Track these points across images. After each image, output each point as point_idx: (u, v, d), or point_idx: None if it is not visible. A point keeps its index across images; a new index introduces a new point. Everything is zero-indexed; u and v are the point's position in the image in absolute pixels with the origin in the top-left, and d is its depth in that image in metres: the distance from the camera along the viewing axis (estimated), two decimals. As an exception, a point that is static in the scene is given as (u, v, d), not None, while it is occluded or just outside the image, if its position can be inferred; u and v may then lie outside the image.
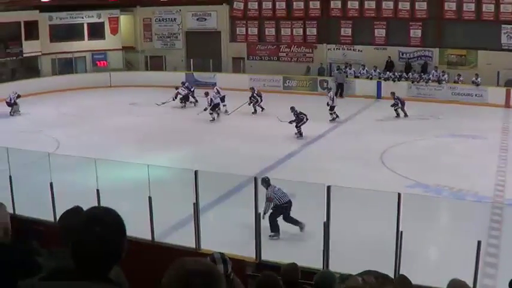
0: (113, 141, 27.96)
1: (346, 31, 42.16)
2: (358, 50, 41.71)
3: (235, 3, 45.09)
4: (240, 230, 15.02)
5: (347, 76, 40.40)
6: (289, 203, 16.45)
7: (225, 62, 45.81)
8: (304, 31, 43.45)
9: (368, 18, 41.16)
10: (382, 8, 40.59)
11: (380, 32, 41.08)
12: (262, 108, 34.58)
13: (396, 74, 39.20)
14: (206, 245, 13.38)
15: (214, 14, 46.28)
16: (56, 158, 18.80)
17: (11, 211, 15.01)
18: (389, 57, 40.09)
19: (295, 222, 16.40)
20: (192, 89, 37.96)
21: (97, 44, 47.62)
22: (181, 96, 37.13)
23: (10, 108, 35.91)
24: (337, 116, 32.44)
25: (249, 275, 11.17)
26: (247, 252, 12.61)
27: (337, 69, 40.54)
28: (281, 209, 16.41)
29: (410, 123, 31.06)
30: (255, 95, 34.65)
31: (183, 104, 36.90)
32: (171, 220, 16.58)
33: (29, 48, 44.89)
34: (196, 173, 13.34)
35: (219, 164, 19.54)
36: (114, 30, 48.16)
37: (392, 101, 33.21)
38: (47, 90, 41.88)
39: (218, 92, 35.00)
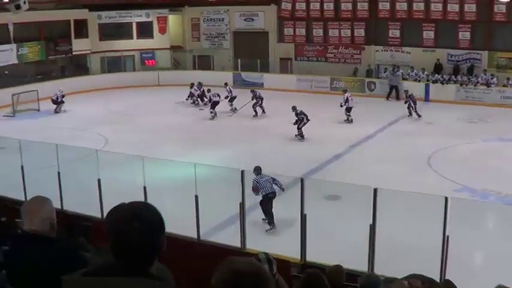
0: (160, 140, 28.15)
1: (394, 32, 41.82)
2: (407, 52, 41.30)
3: (283, 3, 45.00)
4: (285, 230, 15.03)
5: (401, 78, 39.79)
6: (275, 193, 17.52)
7: (272, 63, 45.73)
8: (352, 32, 43.17)
9: (416, 19, 40.74)
10: (431, 9, 40.15)
11: (429, 34, 40.67)
12: (263, 111, 34.62)
13: (445, 76, 38.76)
14: (251, 245, 13.43)
15: (262, 14, 46.27)
16: (104, 155, 18.98)
17: (59, 207, 15.27)
18: (438, 59, 39.64)
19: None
20: (201, 89, 38.27)
21: (145, 43, 48.00)
22: (195, 97, 37.36)
23: (55, 105, 36.41)
24: (351, 120, 32.36)
25: (294, 276, 11.17)
26: (292, 253, 12.62)
27: (391, 71, 40.06)
28: (269, 198, 17.37)
29: (459, 126, 30.72)
30: (256, 97, 34.68)
31: (197, 103, 37.61)
32: (217, 219, 16.64)
33: (79, 46, 45.44)
34: (242, 172, 13.39)
35: (265, 164, 19.50)
36: (163, 30, 48.46)
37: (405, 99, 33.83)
38: (95, 88, 42.32)
39: (230, 91, 35.69)
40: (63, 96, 36.67)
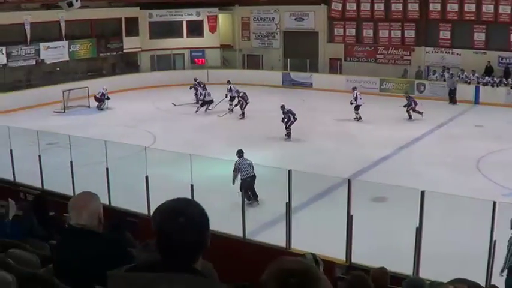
0: (208, 138, 28.30)
1: (445, 34, 41.37)
2: (457, 54, 40.81)
3: (333, 3, 44.87)
4: (331, 231, 15.00)
5: (458, 81, 39.12)
6: (253, 177, 18.81)
7: (321, 63, 45.63)
8: (403, 33, 42.82)
9: (467, 21, 40.22)
10: (482, 11, 39.62)
11: (479, 36, 40.15)
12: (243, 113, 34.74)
13: (495, 79, 38.27)
14: (296, 245, 13.44)
15: (312, 14, 46.17)
16: (152, 152, 19.14)
17: (107, 202, 15.44)
18: (489, 62, 39.08)
19: (255, 195, 18.33)
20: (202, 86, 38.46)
21: (195, 42, 48.29)
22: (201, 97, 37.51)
23: (98, 103, 36.85)
24: (360, 118, 32.47)
25: (339, 277, 11.16)
26: (337, 254, 12.60)
27: (449, 74, 39.17)
28: (247, 182, 18.64)
29: (509, 130, 30.28)
30: (239, 97, 34.83)
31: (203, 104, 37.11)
32: (263, 218, 16.68)
33: (129, 44, 45.98)
34: (289, 172, 13.40)
35: (312, 164, 19.52)
36: (213, 29, 48.67)
37: (406, 102, 33.30)
38: (145, 86, 42.73)
39: (230, 90, 36.11)
40: (106, 94, 37.09)
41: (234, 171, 18.89)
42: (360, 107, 32.49)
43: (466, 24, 40.27)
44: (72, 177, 17.28)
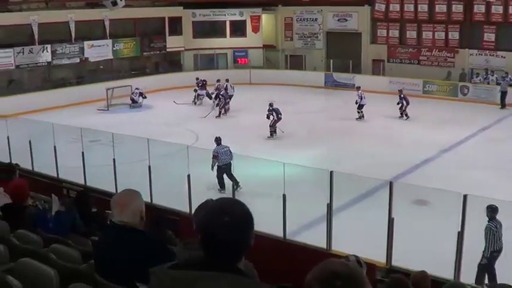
0: (249, 137, 28.32)
1: (489, 36, 40.90)
2: (501, 56, 40.35)
3: (376, 4, 44.67)
4: (372, 233, 14.93)
5: (510, 84, 38.39)
6: (228, 165, 19.74)
7: (364, 64, 45.42)
8: (446, 35, 42.41)
9: (513, 23, 39.87)
10: (528, 13, 39.24)
11: (525, 38, 39.72)
12: (221, 112, 34.97)
13: (540, 82, 37.74)
14: (337, 246, 13.40)
15: (356, 15, 45.95)
16: (194, 151, 19.22)
17: (148, 200, 15.55)
18: (534, 64, 38.65)
19: (235, 181, 18.69)
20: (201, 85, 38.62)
21: (238, 42, 48.42)
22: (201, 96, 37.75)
23: (132, 102, 37.24)
24: (363, 116, 32.85)
25: (378, 280, 11.11)
26: (377, 256, 12.54)
27: (502, 77, 38.59)
28: (222, 169, 19.83)
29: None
30: (220, 95, 35.35)
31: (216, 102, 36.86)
32: (303, 219, 16.65)
33: (172, 43, 46.31)
34: (331, 173, 13.37)
35: (354, 166, 19.43)
36: (256, 29, 48.73)
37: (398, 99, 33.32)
38: (188, 85, 42.85)
39: (225, 89, 36.32)
40: (141, 93, 37.39)
41: (213, 158, 19.91)
42: (364, 107, 32.96)
43: (511, 26, 39.78)
44: (115, 175, 17.42)
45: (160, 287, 2.88)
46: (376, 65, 45.00)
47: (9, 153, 20.01)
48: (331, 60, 45.54)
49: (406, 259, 12.96)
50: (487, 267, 13.22)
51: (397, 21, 44.27)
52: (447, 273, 11.60)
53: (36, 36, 38.18)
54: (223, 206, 3.04)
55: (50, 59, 38.81)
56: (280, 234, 14.16)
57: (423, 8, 42.88)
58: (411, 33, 43.89)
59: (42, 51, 38.41)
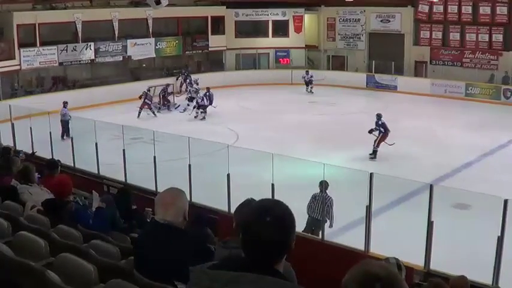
0: (290, 138, 28.31)
1: (533, 39, 40.47)
2: (546, 60, 39.91)
3: (420, 5, 44.32)
4: (410, 236, 14.85)
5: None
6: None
7: (407, 65, 45.11)
8: (490, 37, 41.92)
9: (559, 25, 39.32)
10: None
11: None
12: (200, 112, 34.86)
13: None
14: (375, 249, 13.35)
15: (399, 16, 45.67)
16: (235, 151, 19.26)
17: (188, 198, 15.59)
18: None
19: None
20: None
21: (280, 42, 48.45)
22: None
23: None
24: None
25: (416, 284, 11.06)
26: (415, 259, 12.46)
27: None
28: None
29: None
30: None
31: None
32: (342, 220, 16.61)
33: (215, 42, 46.46)
34: (371, 175, 13.32)
35: (394, 168, 19.33)
36: (298, 29, 48.69)
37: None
38: (230, 84, 43.02)
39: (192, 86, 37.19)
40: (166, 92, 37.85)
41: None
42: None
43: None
44: (155, 172, 17.52)
45: (199, 286, 2.90)
46: (419, 66, 44.64)
47: (51, 149, 20.25)
48: (373, 61, 45.27)
49: (444, 263, 12.87)
50: None
51: (440, 23, 43.89)
52: (486, 278, 11.49)
53: (79, 34, 38.61)
54: (266, 206, 3.04)
55: (93, 57, 39.21)
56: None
57: (467, 9, 42.42)
58: (454, 35, 43.47)
59: (86, 49, 38.80)
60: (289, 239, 3.01)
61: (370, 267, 2.69)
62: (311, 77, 42.84)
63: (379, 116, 26.36)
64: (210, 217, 12.06)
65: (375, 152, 25.81)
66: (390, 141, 25.42)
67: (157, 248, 5.07)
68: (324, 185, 15.29)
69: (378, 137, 25.87)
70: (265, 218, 2.95)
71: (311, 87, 42.41)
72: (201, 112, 34.49)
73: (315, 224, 15.60)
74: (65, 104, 29.98)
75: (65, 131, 28.47)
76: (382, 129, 26.01)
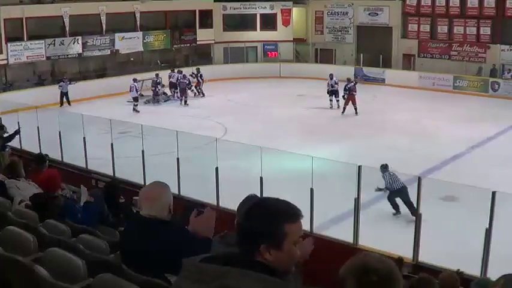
0: (278, 131, 28.30)
1: (521, 32, 40.54)
2: (534, 52, 40.00)
3: (408, -1, 44.45)
4: (399, 229, 14.92)
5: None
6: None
7: (395, 59, 45.17)
8: (478, 30, 41.99)
9: (546, 18, 39.40)
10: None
11: (558, 34, 39.25)
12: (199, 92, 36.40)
13: None
14: (363, 241, 13.39)
15: (387, 9, 45.66)
16: (223, 144, 19.27)
17: (176, 192, 15.61)
18: None
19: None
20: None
21: (268, 35, 48.38)
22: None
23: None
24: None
25: (404, 276, 11.09)
26: (404, 251, 12.50)
27: None
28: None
29: None
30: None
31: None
32: (330, 213, 16.65)
33: (203, 36, 46.44)
34: (359, 168, 13.36)
35: (382, 161, 19.32)
36: (286, 22, 48.67)
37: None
38: (218, 78, 42.93)
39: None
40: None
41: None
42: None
43: (544, 22, 39.36)
44: (143, 166, 17.51)
45: (188, 279, 2.89)
46: (407, 59, 44.68)
47: (39, 144, 20.22)
48: (362, 55, 45.26)
49: (432, 255, 12.92)
50: None
51: (428, 16, 43.95)
52: (474, 270, 11.54)
53: (67, 28, 38.52)
54: (256, 197, 3.06)
55: (80, 51, 39.12)
56: (307, 227, 14.18)
57: (455, 2, 42.43)
58: (442, 28, 43.55)
59: (73, 43, 38.71)
60: (265, 229, 2.98)
61: (368, 259, 2.70)
62: (335, 83, 35.29)
63: (349, 80, 32.18)
64: (200, 211, 12.07)
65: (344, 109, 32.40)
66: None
67: (144, 241, 5.06)
68: None
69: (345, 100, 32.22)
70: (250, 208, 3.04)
71: (337, 100, 34.86)
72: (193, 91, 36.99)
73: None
74: (64, 79, 35.90)
75: (61, 100, 35.19)
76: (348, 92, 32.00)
